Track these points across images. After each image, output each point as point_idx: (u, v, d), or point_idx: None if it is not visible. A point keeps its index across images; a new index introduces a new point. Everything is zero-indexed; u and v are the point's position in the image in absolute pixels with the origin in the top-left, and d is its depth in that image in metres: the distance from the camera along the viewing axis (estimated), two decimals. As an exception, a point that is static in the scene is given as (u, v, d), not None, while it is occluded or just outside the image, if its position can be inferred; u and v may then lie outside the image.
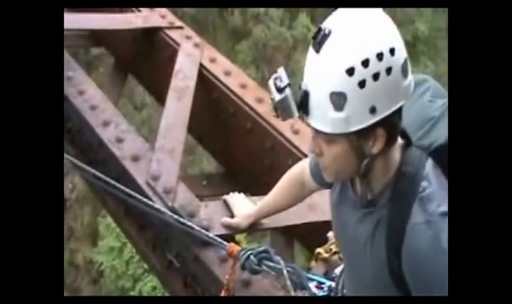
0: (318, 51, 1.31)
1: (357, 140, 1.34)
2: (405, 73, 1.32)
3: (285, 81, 1.37)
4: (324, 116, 1.32)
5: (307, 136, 2.69)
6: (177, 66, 3.09)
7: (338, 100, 1.29)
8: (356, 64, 1.28)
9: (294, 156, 2.62)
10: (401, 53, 1.31)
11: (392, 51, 1.29)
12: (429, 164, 1.40)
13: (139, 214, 2.51)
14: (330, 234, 2.10)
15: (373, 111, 1.30)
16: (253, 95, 2.92)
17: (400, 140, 1.42)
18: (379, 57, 1.28)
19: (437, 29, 17.79)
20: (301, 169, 1.92)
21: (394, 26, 1.34)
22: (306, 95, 1.33)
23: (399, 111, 1.34)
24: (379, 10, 1.34)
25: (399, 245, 1.37)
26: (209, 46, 3.36)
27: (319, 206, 2.26)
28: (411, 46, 17.60)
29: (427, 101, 1.48)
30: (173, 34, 3.39)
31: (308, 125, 1.37)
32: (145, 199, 2.29)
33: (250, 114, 2.87)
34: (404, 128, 1.42)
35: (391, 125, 1.34)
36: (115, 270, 12.22)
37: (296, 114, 1.36)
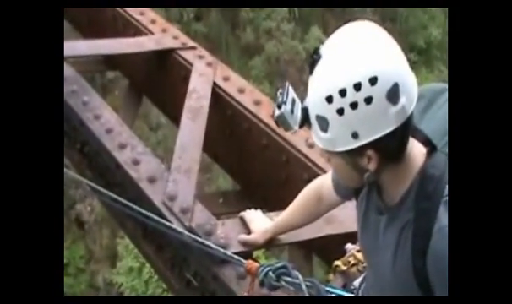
0: (311, 73, 1.37)
1: (350, 158, 1.39)
2: (393, 99, 1.31)
3: (284, 97, 1.45)
4: (315, 133, 1.41)
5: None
6: (191, 86, 3.13)
7: (321, 122, 1.36)
8: (334, 93, 1.32)
9: (309, 170, 2.63)
10: (387, 81, 1.30)
11: (373, 81, 1.30)
12: None
13: (157, 235, 2.53)
14: (348, 246, 2.10)
15: (355, 136, 1.34)
16: (268, 111, 2.94)
17: (422, 148, 1.43)
18: (356, 87, 1.30)
19: (450, 33, 17.72)
20: (318, 184, 1.94)
21: (389, 50, 1.33)
22: (305, 110, 1.41)
23: (393, 134, 1.34)
24: (377, 31, 1.35)
25: (425, 247, 1.38)
26: (222, 64, 3.40)
27: (336, 219, 2.27)
28: (424, 51, 17.54)
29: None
30: (186, 54, 3.44)
31: None
32: (162, 220, 2.31)
33: (265, 130, 2.89)
34: (428, 136, 1.44)
35: (382, 147, 1.35)
36: (135, 291, 12.22)
37: (296, 127, 1.44)
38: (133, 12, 3.85)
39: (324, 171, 2.35)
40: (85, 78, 3.28)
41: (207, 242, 2.20)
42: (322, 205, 1.94)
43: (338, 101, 1.32)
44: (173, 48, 3.50)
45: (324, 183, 1.88)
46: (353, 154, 1.38)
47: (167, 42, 3.56)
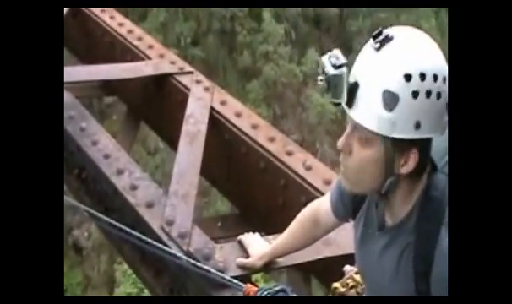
0: (378, 49, 1.32)
1: (392, 151, 1.35)
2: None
3: (343, 60, 1.35)
4: (371, 112, 1.32)
5: (320, 172, 2.73)
6: (188, 111, 3.14)
7: (390, 99, 1.30)
8: (414, 73, 1.30)
9: (307, 193, 2.64)
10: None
11: (445, 80, 1.32)
12: None
13: (155, 260, 2.53)
14: (346, 268, 2.10)
15: (417, 126, 1.32)
16: (265, 135, 2.95)
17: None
18: (435, 77, 1.31)
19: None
20: (314, 208, 1.93)
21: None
22: (355, 86, 1.33)
23: (427, 145, 1.37)
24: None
25: (427, 270, 1.37)
26: (220, 88, 3.42)
27: (334, 241, 2.27)
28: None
29: None
30: (183, 79, 3.46)
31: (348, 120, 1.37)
32: (161, 245, 2.31)
33: (262, 154, 2.90)
34: (430, 155, 1.43)
35: (424, 151, 1.36)
36: (133, 316, 12.13)
37: (343, 99, 1.34)
38: (131, 37, 3.88)
39: (322, 194, 2.36)
40: (83, 103, 3.30)
41: (205, 267, 2.20)
42: (318, 229, 1.94)
43: (416, 83, 1.30)
44: (170, 73, 3.52)
45: (320, 206, 1.88)
46: (398, 148, 1.34)
47: (164, 67, 3.59)
